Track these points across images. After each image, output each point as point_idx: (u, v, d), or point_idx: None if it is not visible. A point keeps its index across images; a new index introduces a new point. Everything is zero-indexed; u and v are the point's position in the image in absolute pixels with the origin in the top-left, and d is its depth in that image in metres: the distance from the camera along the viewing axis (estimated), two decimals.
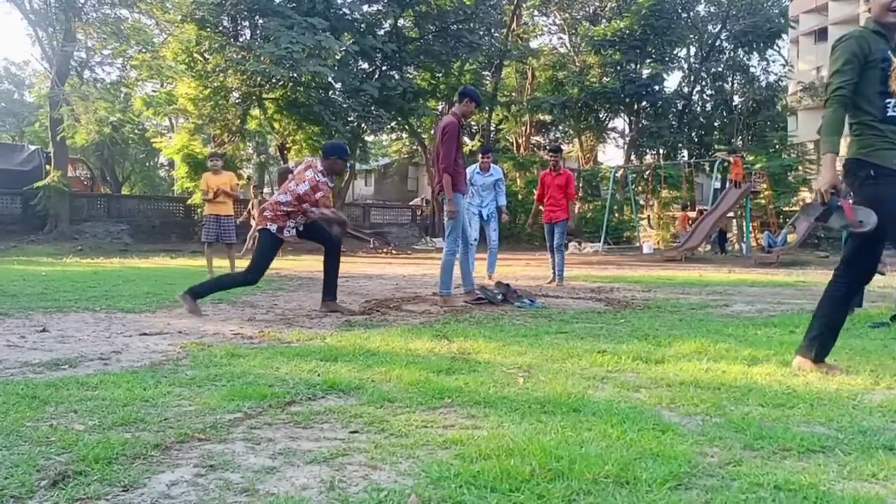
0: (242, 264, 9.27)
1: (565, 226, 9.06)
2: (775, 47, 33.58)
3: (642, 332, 4.64)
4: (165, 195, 34.49)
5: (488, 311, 6.01)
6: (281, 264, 13.92)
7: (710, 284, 9.04)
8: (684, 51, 33.49)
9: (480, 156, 9.25)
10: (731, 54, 32.75)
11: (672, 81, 48.47)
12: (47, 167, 22.52)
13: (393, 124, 28.26)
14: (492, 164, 9.24)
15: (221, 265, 9.72)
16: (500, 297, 6.57)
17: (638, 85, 29.01)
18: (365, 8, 25.38)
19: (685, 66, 33.55)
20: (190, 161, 22.88)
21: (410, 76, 27.01)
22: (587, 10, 34.13)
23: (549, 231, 9.19)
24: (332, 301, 5.96)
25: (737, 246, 23.33)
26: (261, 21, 22.41)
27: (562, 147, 10.60)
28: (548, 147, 11.39)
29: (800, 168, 25.73)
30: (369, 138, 30.19)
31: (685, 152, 31.65)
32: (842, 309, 3.43)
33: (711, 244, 20.40)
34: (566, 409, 2.63)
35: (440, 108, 29.58)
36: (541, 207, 9.60)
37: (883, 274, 6.27)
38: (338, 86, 23.83)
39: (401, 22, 26.34)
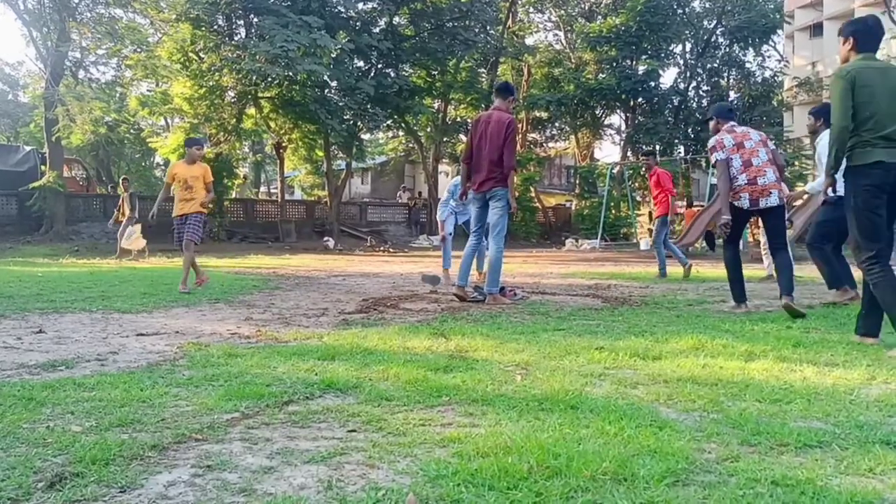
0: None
1: (661, 221, 9.68)
2: (770, 43, 33.59)
3: (639, 329, 4.65)
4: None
5: (485, 308, 6.01)
6: (277, 263, 13.91)
7: (706, 280, 9.05)
8: (680, 47, 33.46)
9: None
10: (727, 50, 32.73)
11: (668, 77, 48.48)
12: (43, 168, 22.43)
13: (389, 122, 28.21)
14: None
15: (217, 265, 9.68)
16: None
17: (634, 81, 29.00)
18: (360, 6, 25.31)
19: (681, 62, 33.53)
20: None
21: (406, 74, 26.96)
22: (582, 6, 34.09)
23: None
24: (789, 296, 5.28)
25: None
26: (255, 20, 22.35)
27: (653, 152, 11.13)
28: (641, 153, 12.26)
29: (796, 163, 25.73)
30: (365, 136, 30.12)
31: (681, 148, 31.63)
32: None
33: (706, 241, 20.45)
34: (564, 406, 2.63)
35: (436, 105, 29.53)
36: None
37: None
38: (333, 84, 23.77)
39: (396, 20, 26.28)
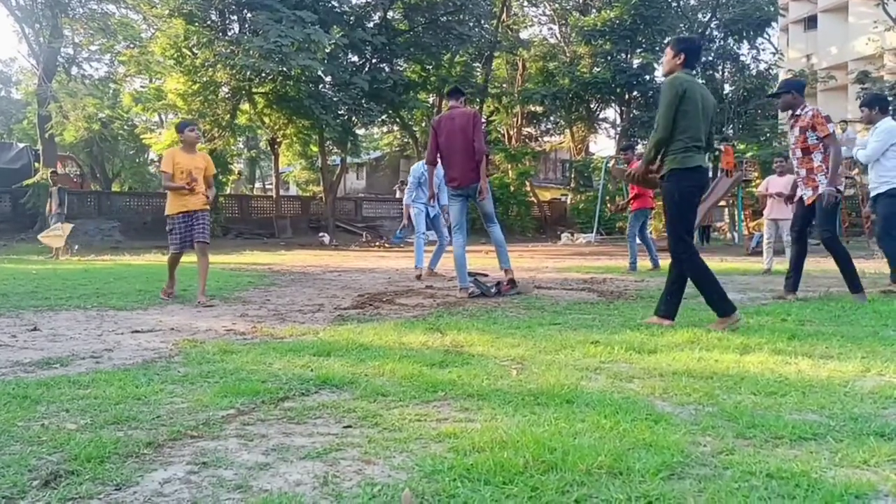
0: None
1: (635, 215, 9.88)
2: (765, 35, 33.64)
3: (635, 323, 4.66)
4: (156, 191, 34.05)
5: (481, 303, 6.01)
6: (272, 259, 13.89)
7: None
8: None
9: None
10: (722, 43, 32.75)
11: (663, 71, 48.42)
12: (36, 165, 22.37)
13: (384, 117, 28.20)
14: None
15: (220, 260, 9.63)
16: (493, 289, 6.57)
17: (629, 75, 29.01)
18: (354, 0, 25.27)
19: None
20: None
21: (401, 69, 26.93)
22: (577, 0, 34.08)
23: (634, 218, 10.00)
24: (861, 293, 5.81)
25: (728, 235, 23.42)
26: (249, 15, 22.26)
27: (631, 146, 11.35)
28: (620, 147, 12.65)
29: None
30: (360, 131, 30.11)
31: None
32: None
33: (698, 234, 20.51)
34: (559, 400, 2.63)
35: (431, 100, 29.49)
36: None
37: None
38: (328, 79, 23.73)
39: (390, 14, 26.22)
